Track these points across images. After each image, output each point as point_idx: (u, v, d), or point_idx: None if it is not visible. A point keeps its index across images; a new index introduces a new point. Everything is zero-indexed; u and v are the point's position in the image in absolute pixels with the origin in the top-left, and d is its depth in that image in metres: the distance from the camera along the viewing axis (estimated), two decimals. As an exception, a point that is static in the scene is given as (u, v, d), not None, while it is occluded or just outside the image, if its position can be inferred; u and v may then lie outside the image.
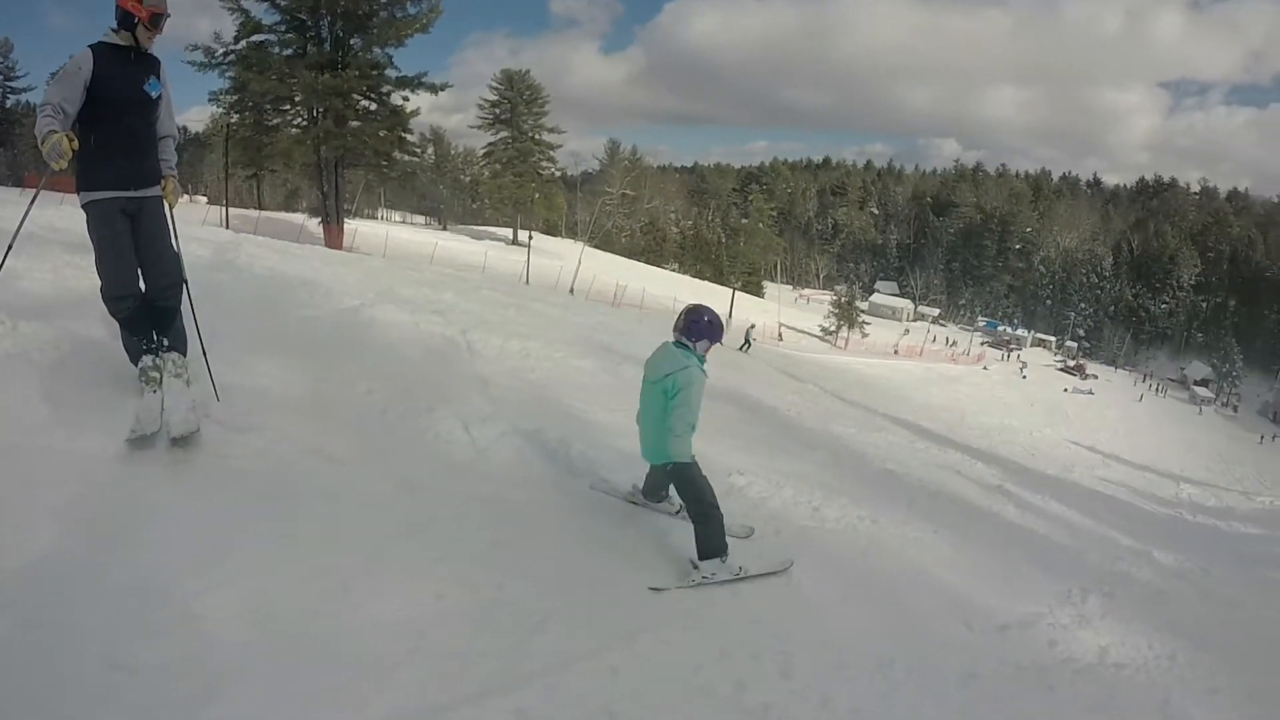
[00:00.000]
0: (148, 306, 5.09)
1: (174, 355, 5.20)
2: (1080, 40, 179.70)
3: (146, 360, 5.09)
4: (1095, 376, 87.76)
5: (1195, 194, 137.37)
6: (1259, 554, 14.14)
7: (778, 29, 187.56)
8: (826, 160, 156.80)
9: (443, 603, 4.15)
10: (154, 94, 4.91)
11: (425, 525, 4.84)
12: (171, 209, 5.25)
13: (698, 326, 5.11)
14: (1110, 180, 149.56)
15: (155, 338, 5.17)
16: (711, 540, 5.03)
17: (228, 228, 36.37)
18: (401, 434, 6.23)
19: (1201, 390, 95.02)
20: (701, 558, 5.02)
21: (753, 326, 39.27)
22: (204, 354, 5.46)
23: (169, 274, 5.16)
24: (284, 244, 19.95)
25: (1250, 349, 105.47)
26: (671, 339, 5.19)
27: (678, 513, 5.74)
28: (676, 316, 5.22)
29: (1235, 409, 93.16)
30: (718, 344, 5.29)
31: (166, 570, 3.77)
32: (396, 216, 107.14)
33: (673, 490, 5.60)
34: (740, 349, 32.90)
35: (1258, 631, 7.39)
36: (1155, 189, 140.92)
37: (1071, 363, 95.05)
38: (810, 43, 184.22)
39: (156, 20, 4.76)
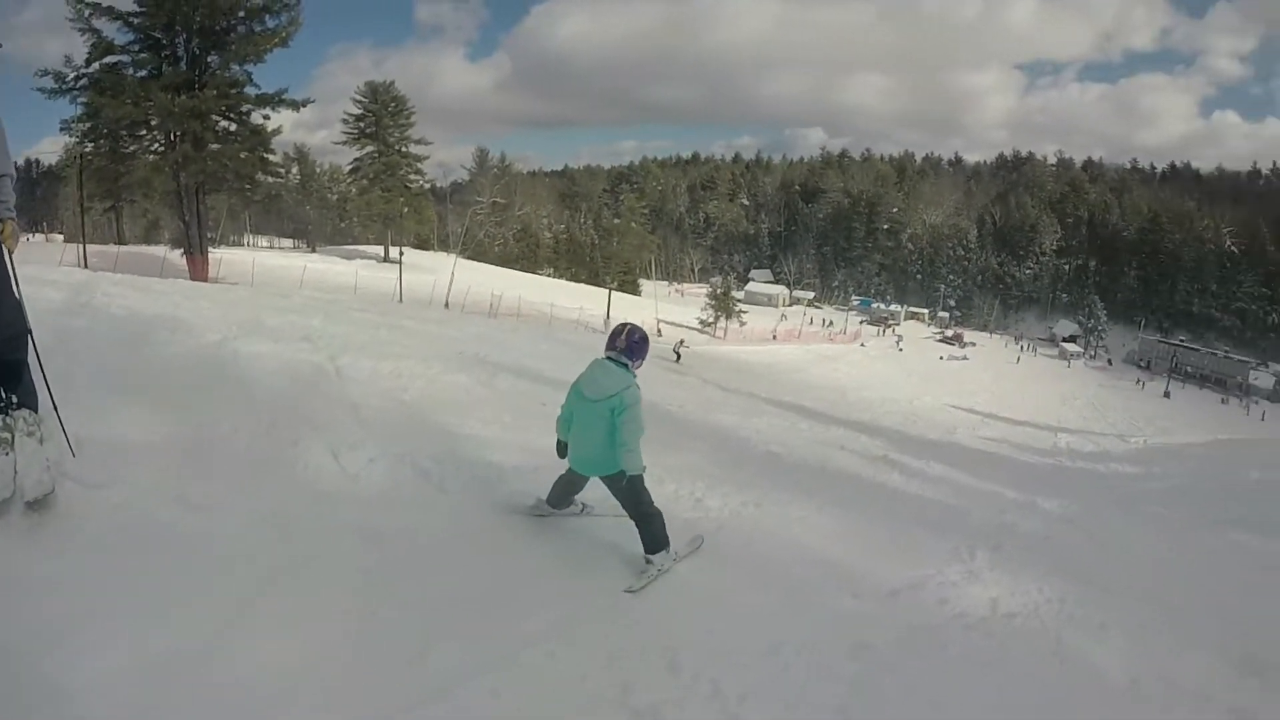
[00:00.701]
0: None
1: (24, 413, 4.86)
2: (940, 27, 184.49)
3: (-4, 420, 4.82)
4: (974, 344, 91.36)
5: (1052, 165, 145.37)
6: (1137, 491, 14.95)
7: (643, 27, 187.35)
8: (695, 156, 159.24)
9: (316, 642, 4.01)
10: None
11: (295, 563, 4.67)
12: (11, 254, 4.94)
13: (637, 346, 5.40)
14: (971, 158, 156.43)
15: (3, 395, 4.89)
16: (659, 536, 5.43)
17: (85, 266, 34.83)
18: (269, 470, 6.00)
19: (1070, 346, 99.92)
20: (651, 553, 5.39)
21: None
22: (55, 408, 5.07)
23: (10, 325, 4.82)
24: (145, 280, 19.19)
25: (1113, 304, 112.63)
26: (604, 355, 5.41)
27: (581, 512, 6.03)
28: (614, 335, 5.46)
29: (1109, 361, 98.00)
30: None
31: (27, 645, 3.52)
32: (263, 241, 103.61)
33: (583, 495, 5.97)
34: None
35: (1142, 565, 7.80)
36: (1014, 163, 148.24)
37: (949, 333, 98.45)
38: (675, 39, 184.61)
39: None
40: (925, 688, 4.55)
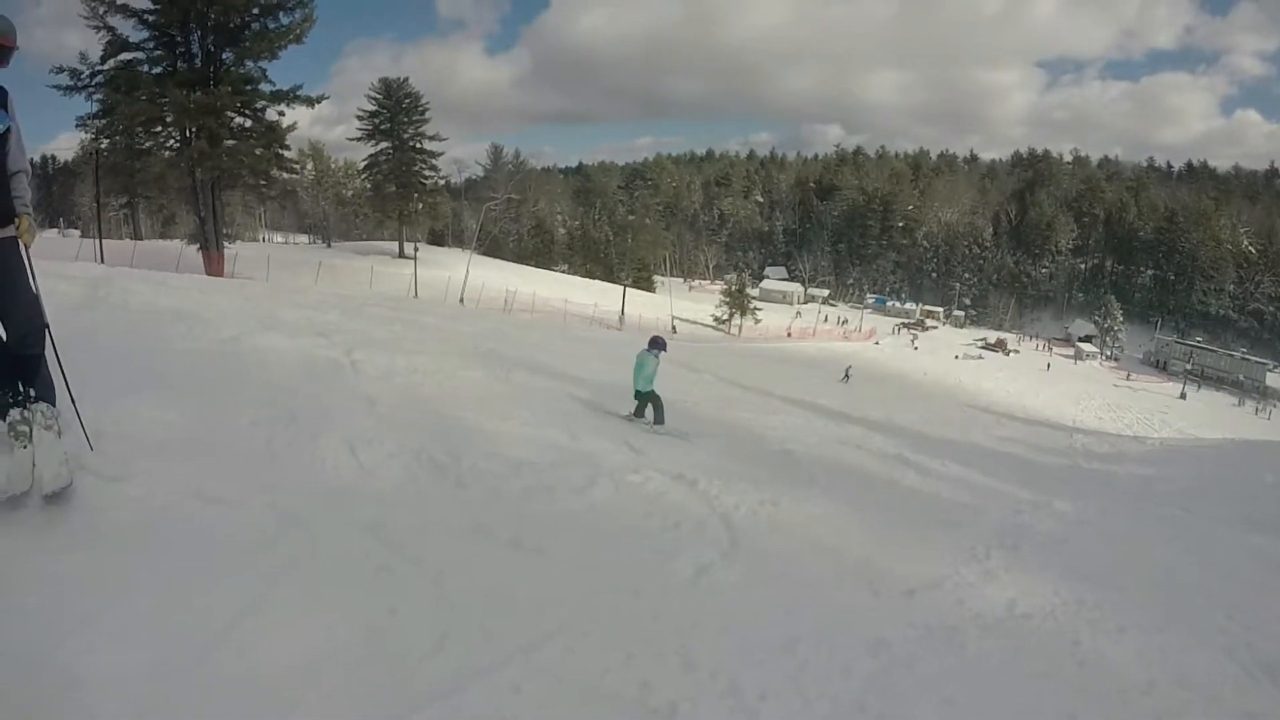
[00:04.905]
0: (9, 356, 4.82)
1: (43, 406, 4.85)
2: (961, 23, 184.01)
3: (14, 414, 4.71)
4: (1018, 351, 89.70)
5: (1069, 163, 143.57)
6: (1152, 493, 14.73)
7: (661, 21, 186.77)
8: (710, 153, 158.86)
9: (333, 636, 3.97)
10: (1, 128, 4.60)
11: (311, 557, 4.65)
12: (28, 249, 4.92)
13: (660, 343, 11.51)
14: (987, 155, 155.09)
15: (21, 389, 4.87)
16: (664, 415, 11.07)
17: (102, 262, 34.85)
18: (286, 464, 6.00)
19: (1086, 346, 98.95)
20: (658, 422, 10.81)
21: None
22: (73, 401, 5.07)
23: (29, 319, 4.82)
24: (161, 275, 19.22)
25: (1129, 304, 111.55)
26: (645, 349, 11.33)
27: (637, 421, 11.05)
28: (655, 339, 11.56)
29: (1155, 365, 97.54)
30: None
31: (44, 636, 3.50)
32: (279, 237, 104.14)
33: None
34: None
35: (1158, 566, 7.76)
36: (1030, 161, 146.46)
37: (992, 340, 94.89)
38: (693, 33, 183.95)
39: (3, 54, 4.46)
40: (942, 686, 4.54)
